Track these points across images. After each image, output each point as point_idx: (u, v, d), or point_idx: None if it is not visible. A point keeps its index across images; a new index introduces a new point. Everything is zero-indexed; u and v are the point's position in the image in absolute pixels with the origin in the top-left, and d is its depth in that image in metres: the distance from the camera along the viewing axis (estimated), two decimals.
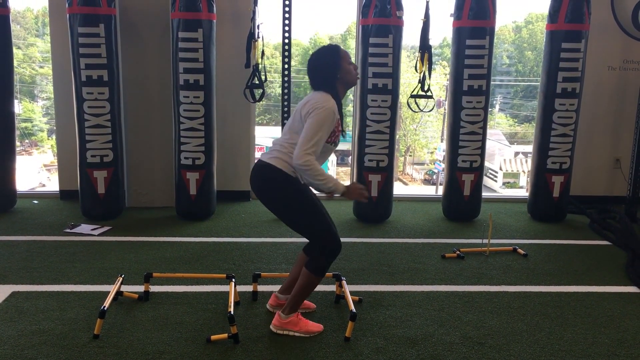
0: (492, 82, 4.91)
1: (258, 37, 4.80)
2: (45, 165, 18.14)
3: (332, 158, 21.11)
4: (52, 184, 14.12)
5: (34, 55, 22.97)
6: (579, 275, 3.76)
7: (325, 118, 2.62)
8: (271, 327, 2.85)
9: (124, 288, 3.21)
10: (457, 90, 4.81)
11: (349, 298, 3.02)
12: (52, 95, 5.36)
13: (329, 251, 2.75)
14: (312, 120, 2.62)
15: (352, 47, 16.31)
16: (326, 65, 2.74)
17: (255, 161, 2.89)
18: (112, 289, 3.06)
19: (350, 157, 5.65)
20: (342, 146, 20.26)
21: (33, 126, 21.44)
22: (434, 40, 4.78)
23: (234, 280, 3.10)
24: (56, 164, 5.58)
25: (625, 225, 4.66)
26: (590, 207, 5.33)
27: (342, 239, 4.30)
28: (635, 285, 3.61)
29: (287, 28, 4.74)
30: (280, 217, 2.85)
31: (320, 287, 3.36)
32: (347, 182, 2.96)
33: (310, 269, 2.75)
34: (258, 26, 4.80)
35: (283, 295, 3.05)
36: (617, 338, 2.90)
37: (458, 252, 4.05)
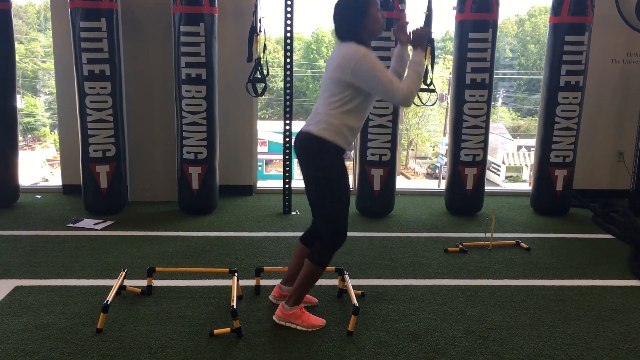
0: (495, 76, 4.89)
1: (260, 31, 4.79)
2: (47, 160, 18.21)
3: None
4: (55, 179, 14.15)
5: (36, 49, 23.00)
6: (582, 269, 3.76)
7: (371, 60, 2.52)
8: (274, 317, 2.86)
9: (127, 282, 3.21)
10: (459, 84, 4.80)
11: (352, 292, 3.02)
12: (55, 90, 5.36)
13: (337, 240, 2.74)
14: (364, 69, 2.51)
15: None
16: (353, 11, 2.58)
17: (301, 129, 2.73)
18: (115, 284, 3.06)
19: (352, 151, 5.64)
20: None
21: (35, 121, 21.50)
22: (436, 33, 4.73)
23: (236, 274, 3.11)
24: (59, 158, 5.58)
25: (629, 218, 4.65)
26: (593, 201, 5.32)
27: None
28: (638, 278, 3.60)
29: (289, 22, 4.72)
30: (310, 189, 2.75)
31: (322, 282, 3.37)
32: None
33: (313, 260, 2.75)
34: (260, 20, 4.79)
35: (286, 286, 3.04)
36: (620, 332, 2.90)
37: (461, 246, 4.04)
